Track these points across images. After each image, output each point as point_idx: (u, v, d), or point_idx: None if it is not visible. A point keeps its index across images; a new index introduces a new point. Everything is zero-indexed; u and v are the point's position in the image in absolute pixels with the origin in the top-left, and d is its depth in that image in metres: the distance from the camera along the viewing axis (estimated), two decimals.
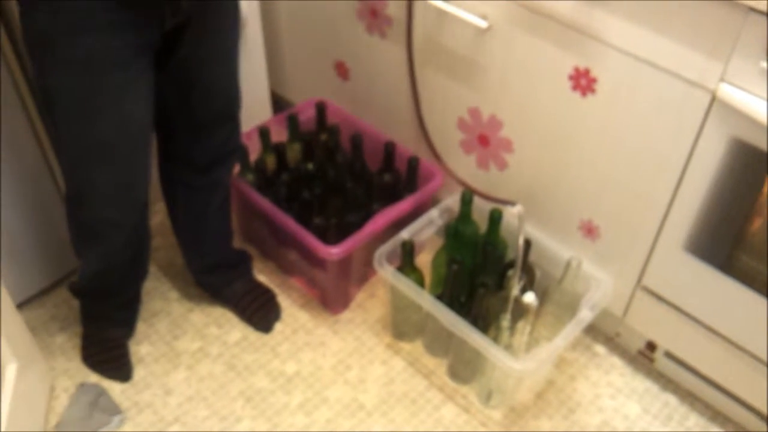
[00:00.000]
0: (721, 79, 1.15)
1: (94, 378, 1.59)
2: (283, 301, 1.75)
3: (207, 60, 1.31)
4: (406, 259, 1.51)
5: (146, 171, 1.34)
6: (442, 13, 1.49)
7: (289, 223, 1.60)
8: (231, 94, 1.41)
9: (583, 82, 1.34)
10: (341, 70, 1.87)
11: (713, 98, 1.17)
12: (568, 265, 1.42)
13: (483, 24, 1.41)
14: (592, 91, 1.33)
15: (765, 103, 1.11)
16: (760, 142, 1.15)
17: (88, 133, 1.21)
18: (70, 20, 1.08)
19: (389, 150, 1.72)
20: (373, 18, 1.67)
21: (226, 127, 1.44)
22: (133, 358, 1.62)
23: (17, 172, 1.50)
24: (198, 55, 1.28)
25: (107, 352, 1.61)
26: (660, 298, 1.46)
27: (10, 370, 1.34)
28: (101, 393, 1.54)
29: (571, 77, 1.35)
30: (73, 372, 1.60)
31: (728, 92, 1.14)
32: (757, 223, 1.26)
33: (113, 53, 1.13)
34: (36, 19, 1.10)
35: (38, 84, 1.20)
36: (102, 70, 1.14)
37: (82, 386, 1.55)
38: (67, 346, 1.64)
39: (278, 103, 2.13)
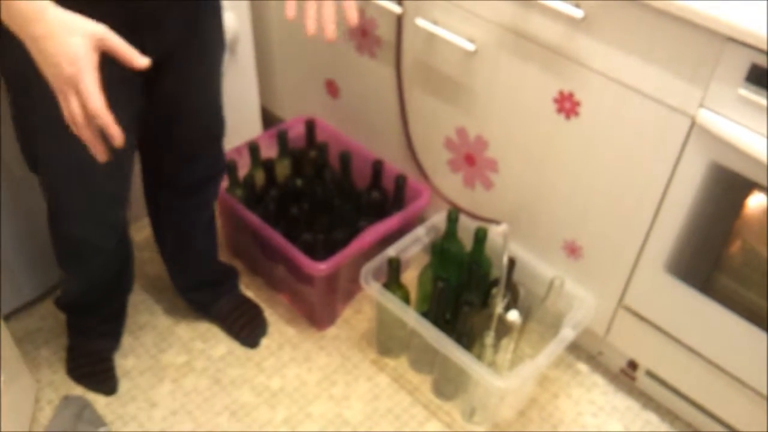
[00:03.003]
0: (701, 105, 1.18)
1: (78, 390, 1.59)
2: (270, 316, 1.76)
3: (191, 87, 1.30)
4: (392, 276, 1.53)
5: (124, 195, 1.33)
6: (431, 36, 1.52)
7: (276, 238, 1.62)
8: (215, 119, 1.41)
9: (567, 105, 1.36)
10: (331, 89, 1.90)
11: (693, 123, 1.21)
12: (551, 284, 1.44)
13: (471, 47, 1.44)
14: (576, 114, 1.36)
15: (743, 129, 1.14)
16: (738, 166, 1.18)
17: (65, 158, 1.19)
18: None
19: (377, 168, 1.74)
20: (364, 38, 1.70)
21: (210, 150, 1.45)
22: (119, 371, 1.62)
23: (6, 183, 1.51)
24: (182, 82, 1.27)
25: (92, 364, 1.61)
26: (641, 318, 1.48)
27: None
28: (86, 405, 1.54)
29: (555, 100, 1.38)
30: (58, 384, 1.60)
31: (707, 118, 1.17)
32: (736, 246, 1.29)
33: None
34: (14, 54, 1.07)
35: (12, 109, 1.19)
36: None
37: (67, 398, 1.55)
38: (53, 359, 1.64)
39: (268, 119, 2.15)
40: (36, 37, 0.94)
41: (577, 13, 1.24)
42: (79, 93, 0.93)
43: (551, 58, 1.34)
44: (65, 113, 0.97)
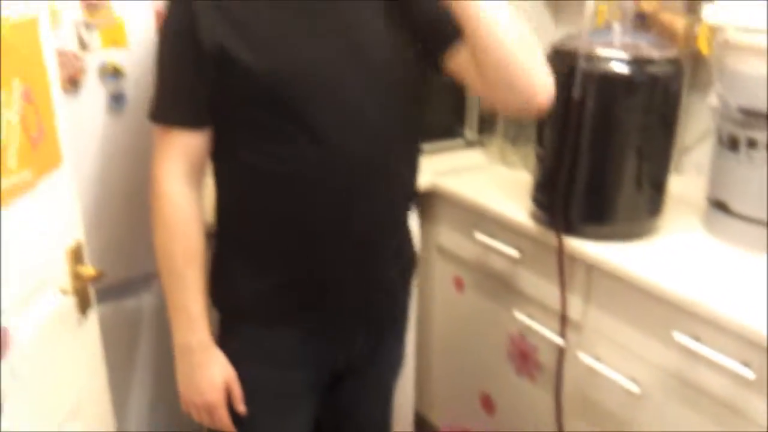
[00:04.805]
0: None
1: None
2: None
3: (368, 394, 1.39)
4: None
5: None
6: (592, 370, 1.54)
7: None
8: (384, 428, 1.47)
9: None
10: (486, 404, 1.92)
11: None
12: None
13: (635, 389, 1.44)
14: None
15: None
16: None
17: None
18: (257, 351, 1.20)
19: None
20: (523, 361, 1.75)
21: None
22: None
23: None
24: (360, 389, 1.36)
25: None
26: None
27: None
28: None
29: None
30: None
31: None
32: None
33: (286, 387, 1.23)
34: (226, 342, 1.21)
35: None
36: (270, 399, 1.22)
37: None
38: None
39: (420, 423, 2.17)
40: (192, 363, 1.13)
41: (748, 373, 1.23)
42: (212, 416, 1.15)
43: (721, 411, 1.32)
44: (194, 416, 1.17)
